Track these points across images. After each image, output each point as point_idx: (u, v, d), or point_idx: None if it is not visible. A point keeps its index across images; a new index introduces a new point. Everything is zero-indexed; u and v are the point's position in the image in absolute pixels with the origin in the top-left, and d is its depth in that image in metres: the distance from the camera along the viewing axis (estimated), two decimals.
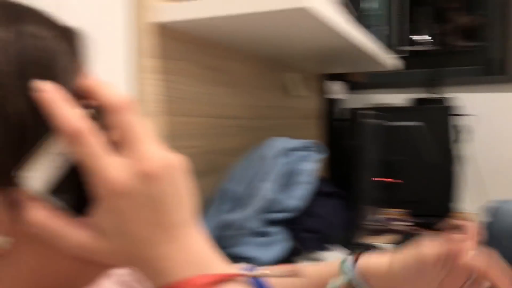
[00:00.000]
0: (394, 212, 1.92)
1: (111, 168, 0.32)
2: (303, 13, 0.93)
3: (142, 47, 0.97)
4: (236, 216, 0.99)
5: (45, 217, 0.33)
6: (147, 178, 0.33)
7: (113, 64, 0.93)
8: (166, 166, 0.34)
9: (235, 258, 0.99)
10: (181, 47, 1.09)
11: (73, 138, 0.32)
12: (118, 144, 0.34)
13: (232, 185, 1.07)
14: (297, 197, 1.02)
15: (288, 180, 1.04)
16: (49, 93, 0.32)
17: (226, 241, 1.00)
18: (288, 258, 1.00)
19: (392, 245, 1.46)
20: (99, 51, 0.87)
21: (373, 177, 1.49)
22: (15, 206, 0.33)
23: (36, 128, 0.33)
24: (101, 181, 0.32)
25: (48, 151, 0.33)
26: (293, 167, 1.05)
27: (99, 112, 0.35)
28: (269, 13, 0.94)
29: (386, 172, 1.77)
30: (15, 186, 0.33)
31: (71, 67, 0.36)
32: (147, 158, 0.33)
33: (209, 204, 1.10)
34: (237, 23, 1.02)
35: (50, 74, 0.34)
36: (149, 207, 0.33)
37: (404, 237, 1.51)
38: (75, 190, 0.34)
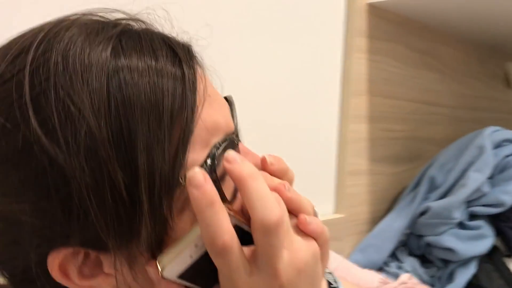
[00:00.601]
0: None
1: (246, 283, 0.32)
2: None
3: (353, 27, 0.98)
4: (440, 204, 0.94)
5: None
6: None
7: (327, 42, 0.95)
8: (297, 273, 0.33)
9: (435, 247, 0.95)
10: (389, 27, 1.06)
11: (220, 252, 0.31)
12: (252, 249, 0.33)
13: (439, 172, 1.02)
14: (509, 192, 0.91)
15: (502, 173, 0.95)
16: (203, 192, 0.30)
17: (426, 228, 0.96)
18: (490, 255, 0.91)
19: None
20: (318, 28, 0.92)
21: None
22: (134, 267, 0.33)
23: (144, 200, 0.31)
24: None
25: (187, 239, 0.33)
26: (511, 160, 0.95)
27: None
28: None
29: None
30: (132, 249, 0.32)
31: (186, 106, 0.32)
32: (281, 273, 0.32)
33: (410, 190, 1.06)
34: (453, 2, 0.96)
35: (155, 128, 0.31)
36: None
37: None
38: (204, 277, 0.35)
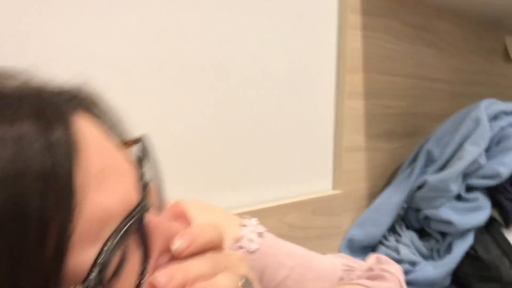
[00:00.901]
0: None
1: None
2: None
3: (346, 3, 0.97)
4: (437, 177, 0.94)
5: None
6: None
7: (321, 19, 0.95)
8: None
9: (433, 220, 0.96)
10: (383, 3, 1.06)
11: None
12: None
13: (436, 146, 1.02)
14: (506, 163, 0.92)
15: (498, 145, 0.95)
16: None
17: (424, 202, 0.97)
18: (487, 227, 0.92)
19: None
20: (311, 6, 0.91)
21: None
22: None
23: None
24: None
25: None
26: (507, 131, 0.95)
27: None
28: None
29: None
30: None
31: (60, 199, 0.24)
32: None
33: (407, 165, 1.07)
34: None
35: (18, 243, 0.23)
36: None
37: None
38: None
